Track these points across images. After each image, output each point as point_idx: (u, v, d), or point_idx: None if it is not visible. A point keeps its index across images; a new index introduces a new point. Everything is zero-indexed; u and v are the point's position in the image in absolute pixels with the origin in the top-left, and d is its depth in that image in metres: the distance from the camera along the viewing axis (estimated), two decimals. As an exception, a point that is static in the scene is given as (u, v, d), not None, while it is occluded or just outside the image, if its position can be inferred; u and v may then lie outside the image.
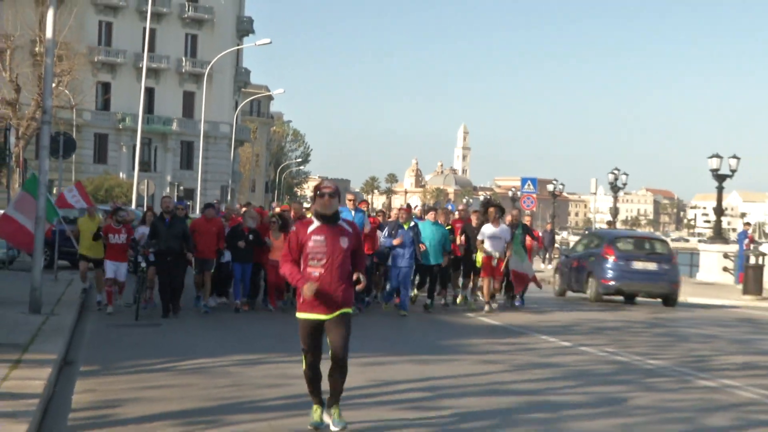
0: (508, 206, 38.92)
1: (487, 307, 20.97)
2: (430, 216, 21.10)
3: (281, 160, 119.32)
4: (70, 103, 63.53)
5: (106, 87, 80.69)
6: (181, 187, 67.76)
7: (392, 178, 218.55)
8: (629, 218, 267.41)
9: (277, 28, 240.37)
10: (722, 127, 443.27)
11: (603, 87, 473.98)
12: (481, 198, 48.73)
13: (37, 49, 59.50)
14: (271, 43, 67.58)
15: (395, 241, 19.20)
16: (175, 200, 23.83)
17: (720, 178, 39.38)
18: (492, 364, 13.80)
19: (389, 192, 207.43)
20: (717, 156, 38.58)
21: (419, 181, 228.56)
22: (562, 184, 63.87)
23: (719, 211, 41.86)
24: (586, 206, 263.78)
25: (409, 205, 22.29)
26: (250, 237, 19.08)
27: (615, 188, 54.78)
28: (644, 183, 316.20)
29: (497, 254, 20.58)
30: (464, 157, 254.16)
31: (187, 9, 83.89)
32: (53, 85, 23.95)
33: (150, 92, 73.49)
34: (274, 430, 9.43)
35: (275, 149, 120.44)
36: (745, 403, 12.10)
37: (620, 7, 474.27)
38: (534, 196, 49.53)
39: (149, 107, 74.47)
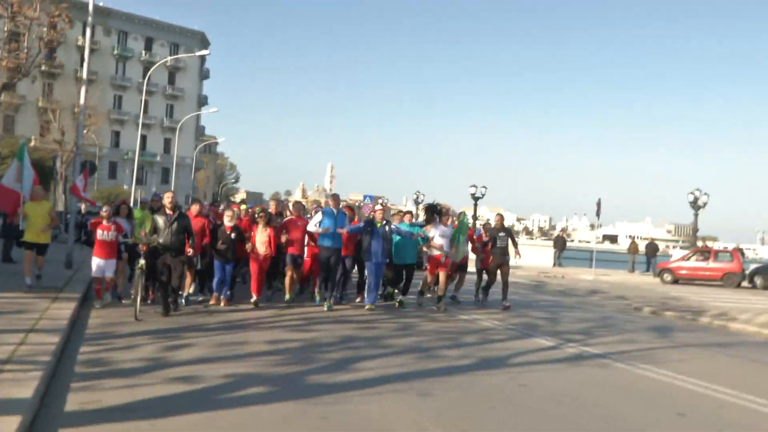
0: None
1: (441, 305, 14.96)
2: (407, 218, 15.76)
3: (222, 180, 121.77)
4: (95, 142, 66.19)
5: (117, 134, 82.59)
6: (161, 195, 70.02)
7: (288, 193, 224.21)
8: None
9: (224, 100, 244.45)
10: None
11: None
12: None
13: (75, 110, 57.75)
14: (218, 111, 73.19)
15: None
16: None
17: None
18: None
19: (286, 200, 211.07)
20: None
21: (304, 194, 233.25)
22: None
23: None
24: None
25: (383, 205, 16.07)
26: (232, 235, 13.31)
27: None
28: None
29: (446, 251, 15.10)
30: (331, 181, 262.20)
31: (167, 89, 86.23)
32: (84, 132, 27.11)
33: (143, 138, 74.91)
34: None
35: (219, 174, 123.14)
36: (486, 329, 11.97)
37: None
38: (370, 205, 49.66)
39: (143, 146, 75.68)
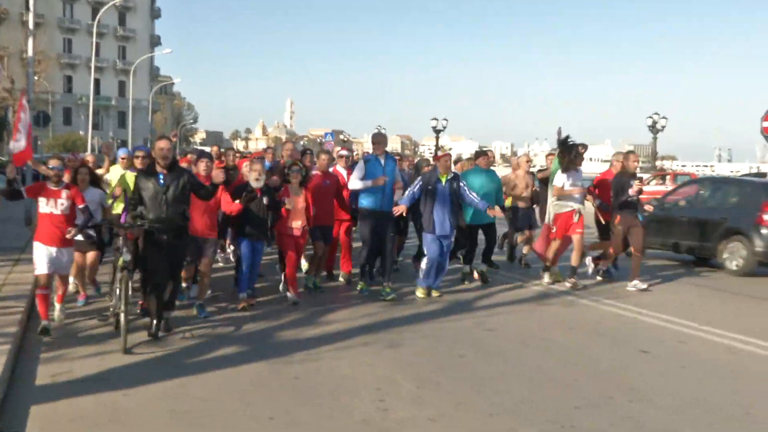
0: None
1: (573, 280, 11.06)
2: (481, 161, 11.42)
3: (180, 121, 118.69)
4: (47, 89, 64.75)
5: (69, 79, 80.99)
6: (119, 140, 67.97)
7: (248, 131, 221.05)
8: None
9: (178, 39, 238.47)
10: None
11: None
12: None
13: (23, 56, 56.39)
14: (172, 51, 71.82)
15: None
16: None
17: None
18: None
19: (246, 138, 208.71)
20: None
21: (265, 131, 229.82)
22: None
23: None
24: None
25: (449, 154, 10.71)
26: (264, 200, 8.87)
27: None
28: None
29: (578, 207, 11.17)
30: (291, 116, 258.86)
31: (119, 30, 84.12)
32: (35, 78, 26.24)
33: (97, 81, 70.75)
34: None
35: (176, 115, 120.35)
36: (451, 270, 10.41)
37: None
38: (332, 142, 49.78)
39: (97, 90, 72.74)
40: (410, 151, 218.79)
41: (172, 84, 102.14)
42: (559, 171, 11.23)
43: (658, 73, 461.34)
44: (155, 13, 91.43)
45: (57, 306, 8.03)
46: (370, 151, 10.69)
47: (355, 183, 10.04)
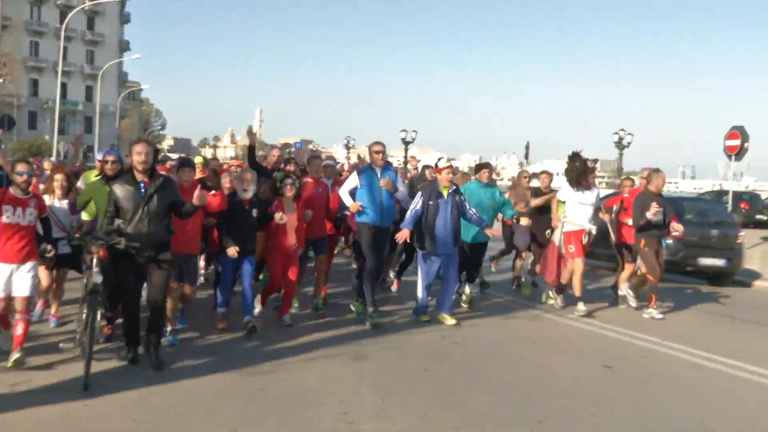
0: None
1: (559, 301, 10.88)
2: (483, 175, 10.50)
3: (147, 127, 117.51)
4: (12, 92, 63.80)
5: (35, 82, 78.89)
6: (86, 145, 68.92)
7: (216, 138, 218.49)
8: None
9: (148, 45, 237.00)
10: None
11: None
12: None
13: None
14: (141, 57, 71.26)
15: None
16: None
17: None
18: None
19: (215, 146, 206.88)
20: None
21: (233, 139, 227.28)
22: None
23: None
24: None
25: (451, 165, 9.46)
26: (254, 212, 8.22)
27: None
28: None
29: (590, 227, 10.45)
30: (260, 125, 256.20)
31: (87, 34, 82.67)
32: (0, 81, 25.84)
33: (64, 86, 70.33)
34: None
35: (144, 121, 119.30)
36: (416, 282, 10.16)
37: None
38: (302, 151, 48.67)
39: (64, 95, 71.89)
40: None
41: (141, 90, 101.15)
42: (567, 186, 10.59)
43: (626, 89, 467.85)
44: (124, 18, 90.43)
45: (14, 355, 6.56)
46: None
47: (343, 194, 9.23)
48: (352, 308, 9.72)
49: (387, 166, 9.38)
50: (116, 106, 79.05)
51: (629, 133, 39.83)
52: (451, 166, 9.36)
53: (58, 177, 7.94)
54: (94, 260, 6.44)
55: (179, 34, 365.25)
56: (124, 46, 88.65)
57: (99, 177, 8.05)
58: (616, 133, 39.91)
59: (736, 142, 20.03)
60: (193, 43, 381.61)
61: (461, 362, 7.55)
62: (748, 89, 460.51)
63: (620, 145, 40.12)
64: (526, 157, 34.63)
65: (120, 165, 7.84)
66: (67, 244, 7.57)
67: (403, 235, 8.76)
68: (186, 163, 8.14)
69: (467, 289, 10.59)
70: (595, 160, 10.88)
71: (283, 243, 8.53)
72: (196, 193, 6.73)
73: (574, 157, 10.59)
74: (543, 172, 12.30)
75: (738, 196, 29.45)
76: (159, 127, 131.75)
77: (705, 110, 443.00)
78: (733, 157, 20.30)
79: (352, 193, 9.12)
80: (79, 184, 8.60)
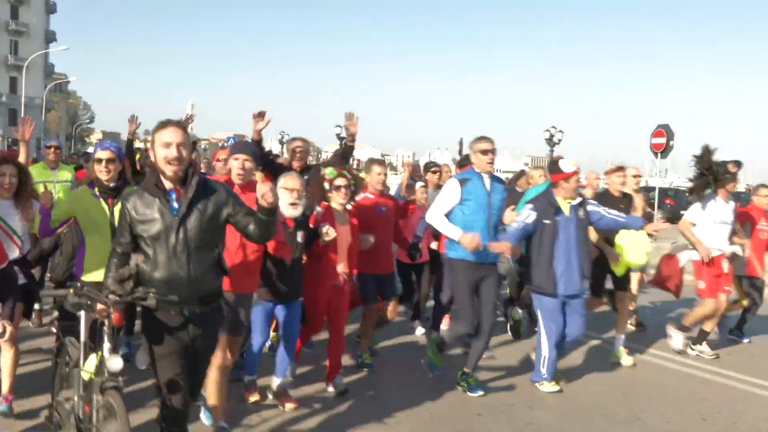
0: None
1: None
2: (540, 177, 8.54)
3: (75, 120, 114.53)
4: None
5: None
6: (9, 139, 64.34)
7: (147, 132, 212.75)
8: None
9: (75, 36, 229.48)
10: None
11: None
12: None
13: None
14: (68, 48, 69.23)
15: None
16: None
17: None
18: None
19: (145, 140, 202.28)
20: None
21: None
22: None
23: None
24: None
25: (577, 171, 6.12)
26: (299, 237, 5.31)
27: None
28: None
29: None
30: (192, 119, 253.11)
31: (11, 24, 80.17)
32: None
33: None
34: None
35: (72, 114, 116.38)
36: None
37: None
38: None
39: None
40: (313, 157, 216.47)
41: (68, 82, 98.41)
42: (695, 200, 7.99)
43: (558, 86, 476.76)
44: (50, 8, 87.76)
45: None
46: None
47: (436, 217, 6.20)
48: (425, 363, 6.93)
49: (495, 175, 6.34)
50: (42, 98, 76.64)
51: (560, 131, 40.60)
52: (577, 172, 6.31)
53: (6, 169, 5.44)
54: (105, 329, 3.60)
55: (108, 26, 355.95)
56: (50, 37, 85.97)
57: (89, 183, 5.20)
58: (548, 130, 40.62)
59: (662, 140, 20.63)
60: (123, 35, 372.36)
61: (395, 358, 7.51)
62: (672, 89, 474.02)
63: (551, 142, 40.87)
64: (460, 153, 35.01)
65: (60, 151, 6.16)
66: (21, 271, 4.99)
67: (502, 247, 6.00)
68: (245, 148, 5.18)
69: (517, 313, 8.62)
70: (738, 163, 8.01)
71: (330, 269, 5.81)
72: (262, 187, 3.70)
73: (706, 156, 7.75)
74: (537, 167, 9.37)
75: (663, 193, 30.43)
76: (87, 120, 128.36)
77: (630, 109, 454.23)
78: (659, 154, 20.88)
79: (448, 214, 6.18)
80: None
